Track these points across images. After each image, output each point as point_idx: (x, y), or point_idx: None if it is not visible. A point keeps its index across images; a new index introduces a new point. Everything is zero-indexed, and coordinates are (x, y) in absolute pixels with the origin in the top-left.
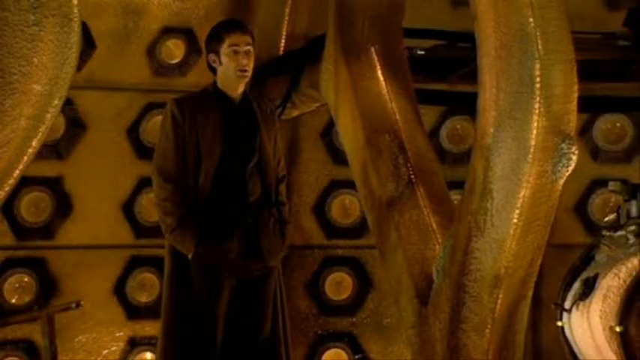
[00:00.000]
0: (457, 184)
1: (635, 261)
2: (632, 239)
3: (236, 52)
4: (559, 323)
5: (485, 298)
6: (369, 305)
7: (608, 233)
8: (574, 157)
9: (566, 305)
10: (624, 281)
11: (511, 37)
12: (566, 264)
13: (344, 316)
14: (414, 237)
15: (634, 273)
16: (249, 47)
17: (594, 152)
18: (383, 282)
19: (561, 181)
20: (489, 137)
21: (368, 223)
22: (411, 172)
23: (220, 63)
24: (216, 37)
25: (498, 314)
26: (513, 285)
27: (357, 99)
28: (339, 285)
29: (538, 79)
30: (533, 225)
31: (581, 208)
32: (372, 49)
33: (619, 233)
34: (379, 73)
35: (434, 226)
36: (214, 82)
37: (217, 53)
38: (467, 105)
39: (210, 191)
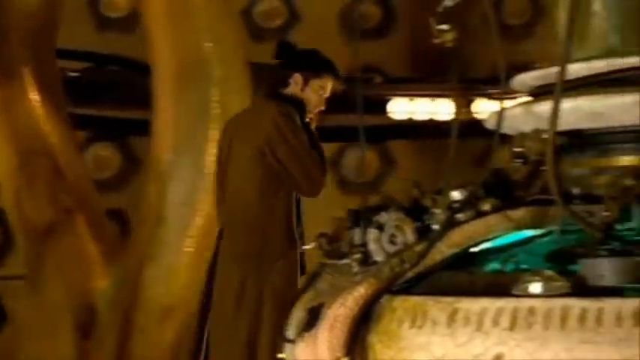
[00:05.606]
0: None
1: (361, 290)
2: (356, 268)
3: None
4: (280, 355)
5: (153, 329)
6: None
7: (330, 261)
8: None
9: (290, 336)
10: (351, 310)
11: (187, 62)
12: None
13: None
14: (73, 266)
15: (360, 302)
16: None
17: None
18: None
19: None
20: (165, 164)
21: None
22: (69, 199)
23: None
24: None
25: (167, 346)
26: (185, 315)
27: (9, 121)
28: None
29: (216, 105)
30: (206, 254)
31: None
32: (26, 70)
33: (343, 261)
34: (33, 94)
35: (95, 255)
36: None
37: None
38: (115, 130)
39: None
